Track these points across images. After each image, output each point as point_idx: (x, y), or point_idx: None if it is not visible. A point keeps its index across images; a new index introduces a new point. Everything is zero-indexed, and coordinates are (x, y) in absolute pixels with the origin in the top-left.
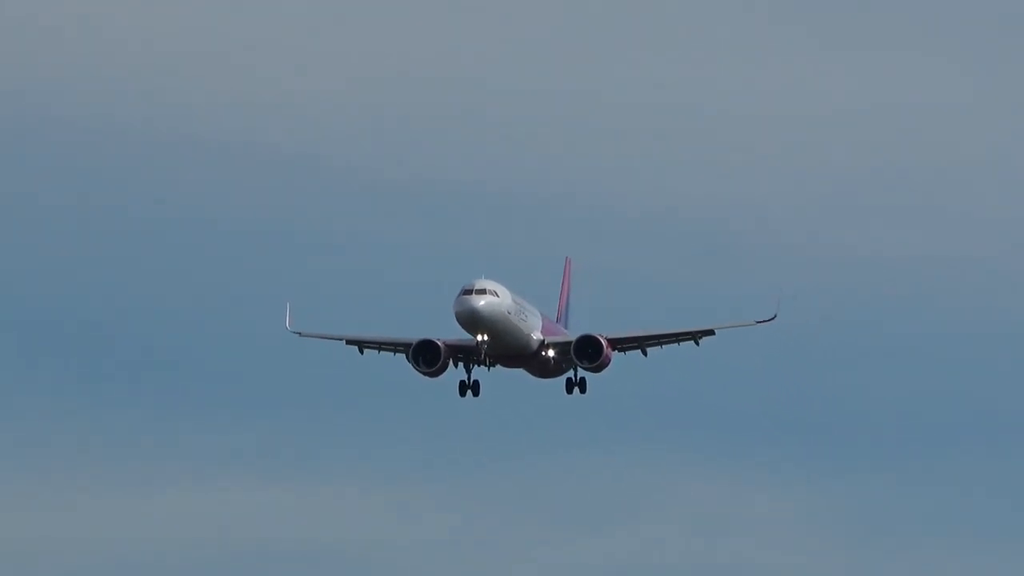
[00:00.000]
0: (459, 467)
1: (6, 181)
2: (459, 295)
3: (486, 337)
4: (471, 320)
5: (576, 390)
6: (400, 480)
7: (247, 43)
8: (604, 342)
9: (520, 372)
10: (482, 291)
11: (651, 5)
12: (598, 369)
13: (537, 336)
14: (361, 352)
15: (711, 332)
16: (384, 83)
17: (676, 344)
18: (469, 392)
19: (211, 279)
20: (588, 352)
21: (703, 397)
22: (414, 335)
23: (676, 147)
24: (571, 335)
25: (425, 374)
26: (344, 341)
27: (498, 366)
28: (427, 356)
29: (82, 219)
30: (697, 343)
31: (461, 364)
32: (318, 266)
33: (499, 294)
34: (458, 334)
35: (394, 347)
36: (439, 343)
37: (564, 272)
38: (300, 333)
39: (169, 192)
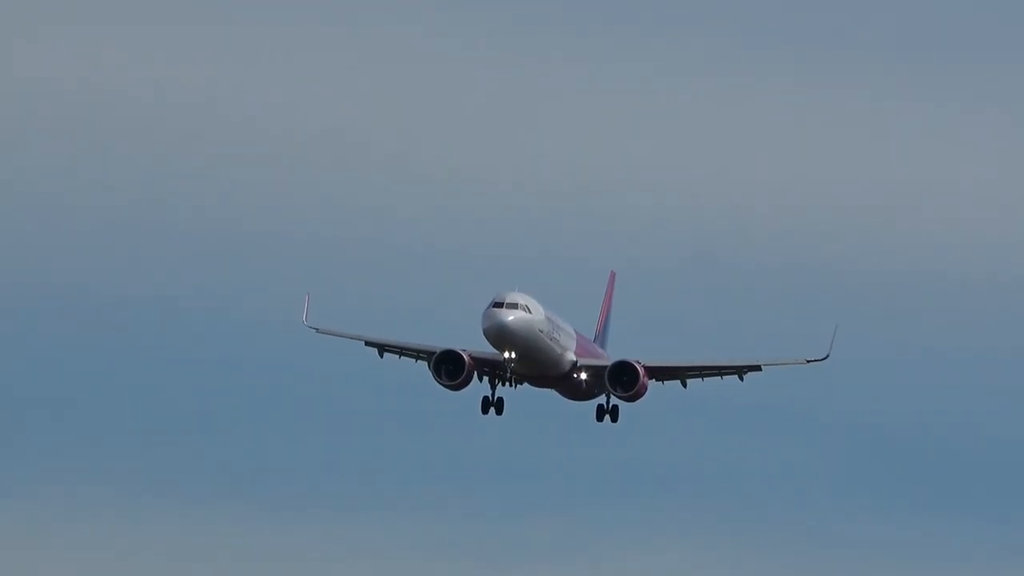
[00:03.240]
0: (469, 493)
1: None
2: (488, 307)
3: (514, 354)
4: (499, 336)
5: (607, 418)
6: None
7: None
8: (641, 370)
9: (549, 392)
10: (513, 305)
11: None
12: (633, 399)
13: (570, 357)
14: (381, 356)
15: (758, 368)
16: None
17: (719, 378)
18: (492, 409)
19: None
20: (623, 380)
21: (744, 441)
22: (439, 343)
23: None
24: (607, 358)
25: (447, 387)
26: (364, 342)
27: (525, 384)
28: (450, 368)
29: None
30: (742, 378)
31: (486, 379)
32: (344, 263)
33: (531, 309)
34: (485, 346)
35: (416, 354)
36: (464, 355)
37: (608, 287)
38: (317, 329)
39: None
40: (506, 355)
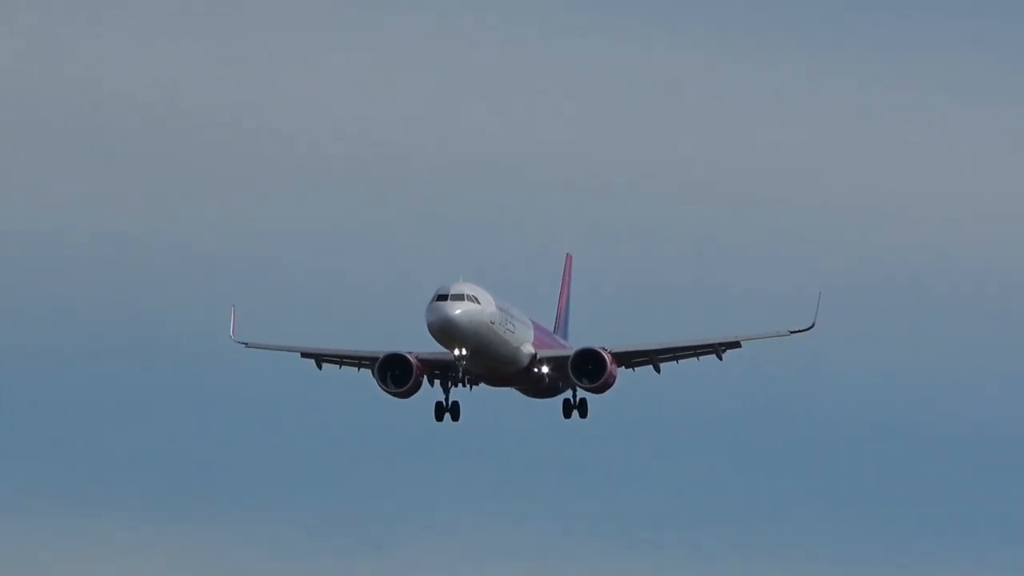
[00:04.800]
0: (431, 510)
1: None
2: (432, 301)
3: (465, 351)
4: (446, 331)
5: (575, 414)
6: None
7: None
8: (607, 357)
9: (509, 391)
10: (459, 296)
11: None
12: (601, 389)
13: (528, 350)
14: (319, 367)
15: (736, 344)
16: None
17: (695, 359)
18: (447, 415)
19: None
20: (588, 369)
21: (727, 423)
22: (382, 347)
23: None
24: (569, 348)
25: (394, 394)
26: (299, 354)
27: (482, 384)
28: (396, 373)
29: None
30: (720, 357)
31: (438, 382)
32: (271, 268)
33: (480, 300)
34: (434, 347)
35: (358, 362)
36: (411, 358)
37: (564, 271)
38: (247, 344)
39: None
40: (456, 353)
